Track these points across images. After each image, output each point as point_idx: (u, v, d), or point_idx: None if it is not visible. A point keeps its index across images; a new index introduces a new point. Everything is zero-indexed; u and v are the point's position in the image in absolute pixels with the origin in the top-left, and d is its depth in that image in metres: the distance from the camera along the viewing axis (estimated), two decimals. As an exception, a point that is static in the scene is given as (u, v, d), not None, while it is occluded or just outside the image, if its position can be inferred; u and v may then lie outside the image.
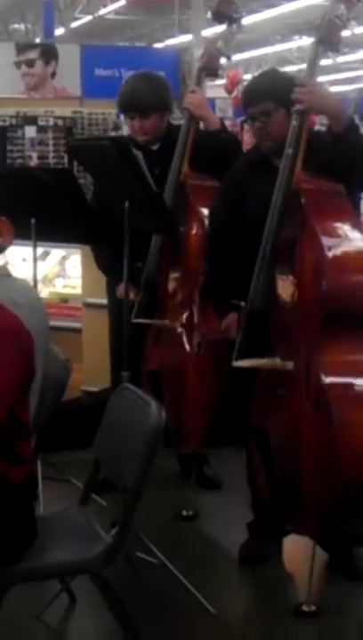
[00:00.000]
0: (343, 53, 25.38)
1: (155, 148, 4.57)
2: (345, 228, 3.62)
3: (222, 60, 4.47)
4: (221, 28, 4.46)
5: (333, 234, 3.56)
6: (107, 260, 4.66)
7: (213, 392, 4.15)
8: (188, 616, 3.72)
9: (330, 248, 3.50)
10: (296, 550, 4.15)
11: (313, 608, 3.68)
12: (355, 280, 3.53)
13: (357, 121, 3.81)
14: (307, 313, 3.57)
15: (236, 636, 3.71)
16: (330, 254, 3.48)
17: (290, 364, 3.63)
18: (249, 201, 3.88)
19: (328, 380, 3.47)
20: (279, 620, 3.73)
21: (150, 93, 4.45)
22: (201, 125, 4.52)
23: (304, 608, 3.68)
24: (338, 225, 3.62)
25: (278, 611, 3.78)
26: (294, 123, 3.67)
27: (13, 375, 2.90)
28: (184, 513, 4.58)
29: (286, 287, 3.66)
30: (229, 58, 4.48)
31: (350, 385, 3.49)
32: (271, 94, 3.79)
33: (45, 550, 3.03)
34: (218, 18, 4.38)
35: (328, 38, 3.69)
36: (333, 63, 24.27)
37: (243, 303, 3.85)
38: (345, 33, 3.74)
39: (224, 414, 4.10)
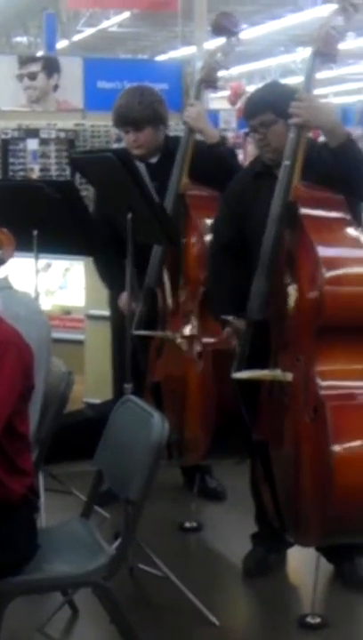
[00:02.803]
0: (348, 64, 25.46)
1: (153, 161, 4.58)
2: (342, 240, 3.62)
3: (222, 73, 4.48)
4: (222, 40, 4.47)
5: (329, 246, 3.56)
6: (109, 273, 4.67)
7: (214, 403, 4.14)
8: (191, 628, 3.71)
9: (326, 260, 3.49)
10: (300, 561, 4.15)
11: (318, 620, 3.67)
12: (350, 292, 3.52)
13: (361, 132, 3.81)
14: (304, 323, 3.57)
15: (240, 648, 3.71)
16: (325, 266, 3.48)
17: (290, 375, 3.62)
18: (252, 212, 3.89)
19: (325, 390, 3.46)
20: (284, 632, 3.72)
21: (142, 107, 4.48)
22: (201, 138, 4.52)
23: (309, 619, 3.67)
24: (335, 237, 3.61)
25: (282, 622, 3.77)
26: (291, 135, 3.67)
27: (12, 391, 2.90)
28: (187, 524, 4.57)
29: (289, 296, 3.66)
30: (227, 69, 4.49)
31: (347, 395, 3.48)
32: (271, 106, 3.79)
33: (48, 562, 3.02)
34: (217, 31, 4.40)
35: (325, 50, 3.69)
36: (338, 74, 24.35)
37: (231, 318, 3.84)
38: (351, 44, 3.74)
39: (226, 426, 4.09)
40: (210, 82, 4.48)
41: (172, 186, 4.37)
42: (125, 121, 4.54)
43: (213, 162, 4.36)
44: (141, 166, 3.90)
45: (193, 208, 4.34)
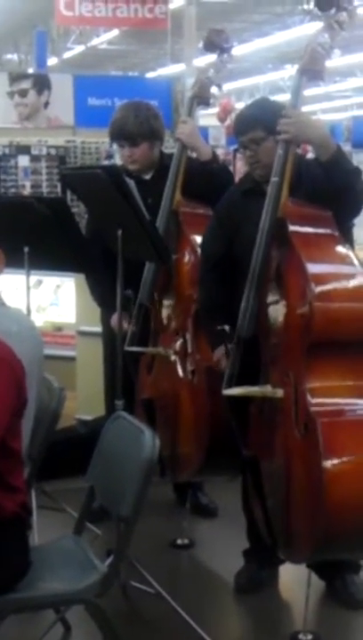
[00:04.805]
0: (335, 81, 25.57)
1: (147, 177, 4.59)
2: (331, 257, 3.62)
3: (214, 89, 4.49)
4: (212, 57, 4.49)
5: (318, 262, 3.56)
6: (101, 291, 4.67)
7: (207, 420, 4.14)
8: (184, 645, 3.70)
9: (315, 276, 3.49)
10: (292, 578, 4.14)
11: (310, 636, 3.66)
12: (339, 308, 3.53)
13: (349, 148, 3.81)
14: (294, 340, 3.57)
15: (232, 665, 3.70)
16: (314, 282, 3.48)
17: (280, 392, 3.62)
18: (242, 228, 3.89)
19: (316, 407, 3.46)
20: (276, 649, 3.71)
21: (138, 122, 4.49)
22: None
23: (301, 636, 3.66)
24: (324, 253, 3.61)
25: (274, 639, 3.76)
26: (279, 152, 3.68)
27: (5, 409, 2.89)
28: (179, 541, 4.56)
29: (278, 312, 3.66)
30: (220, 87, 4.51)
31: (338, 412, 3.48)
32: (261, 123, 3.80)
33: (40, 580, 3.01)
34: (209, 47, 4.42)
35: (311, 67, 3.70)
36: (325, 91, 24.46)
37: (227, 327, 3.85)
38: (338, 61, 3.75)
39: (219, 442, 4.08)
40: (202, 98, 4.49)
41: (165, 202, 4.38)
42: (121, 135, 4.55)
43: (205, 178, 4.37)
44: (131, 183, 3.90)
45: (186, 225, 4.34)
